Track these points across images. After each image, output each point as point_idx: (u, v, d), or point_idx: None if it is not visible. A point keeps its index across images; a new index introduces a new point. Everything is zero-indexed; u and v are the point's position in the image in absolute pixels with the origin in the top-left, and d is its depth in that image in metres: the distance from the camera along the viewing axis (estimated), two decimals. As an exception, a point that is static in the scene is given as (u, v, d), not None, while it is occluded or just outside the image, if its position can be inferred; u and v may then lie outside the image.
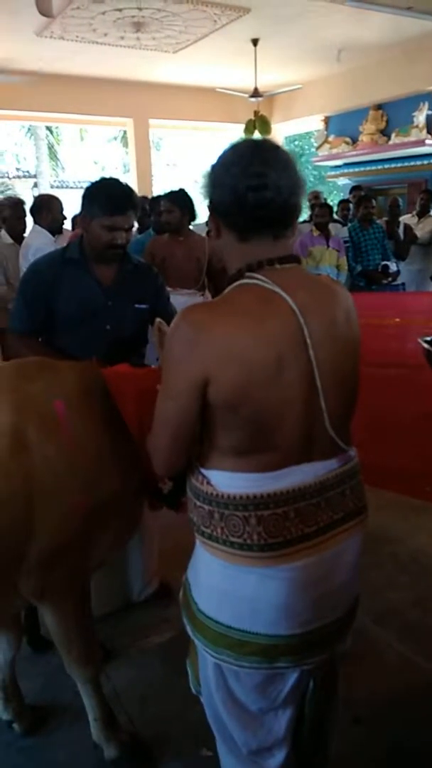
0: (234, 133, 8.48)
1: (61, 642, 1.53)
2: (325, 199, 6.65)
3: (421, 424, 2.85)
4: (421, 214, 5.98)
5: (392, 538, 2.68)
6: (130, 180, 8.23)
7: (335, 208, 6.23)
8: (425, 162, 7.39)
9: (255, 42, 6.41)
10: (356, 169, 8.24)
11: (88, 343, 1.84)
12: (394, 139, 7.50)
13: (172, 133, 13.93)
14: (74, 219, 5.00)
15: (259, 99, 7.42)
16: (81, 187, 4.95)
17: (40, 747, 1.72)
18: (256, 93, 7.28)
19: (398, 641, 2.08)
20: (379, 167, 7.89)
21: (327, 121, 8.61)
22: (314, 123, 8.95)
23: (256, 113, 7.82)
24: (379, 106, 7.77)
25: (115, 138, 15.77)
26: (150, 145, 9.10)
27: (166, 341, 1.09)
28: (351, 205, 6.25)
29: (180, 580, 1.28)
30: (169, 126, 9.63)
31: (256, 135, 7.35)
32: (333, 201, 8.11)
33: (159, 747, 1.69)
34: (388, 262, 5.25)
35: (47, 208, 4.00)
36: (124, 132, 10.37)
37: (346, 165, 8.41)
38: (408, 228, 5.76)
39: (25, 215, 4.22)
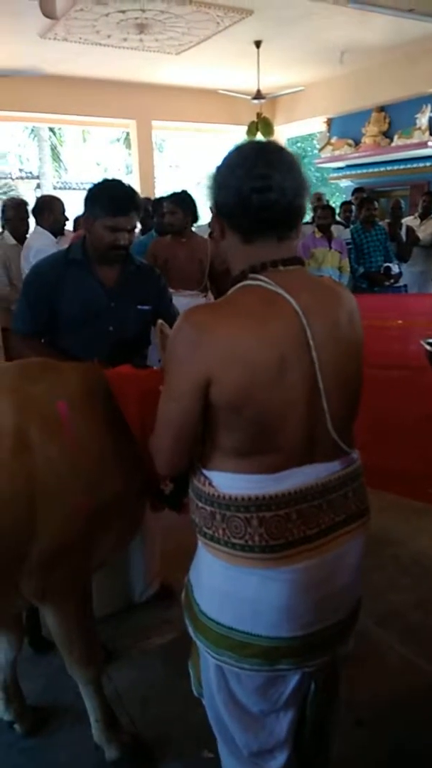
0: (236, 134, 8.50)
1: (63, 643, 1.53)
2: (328, 201, 6.65)
3: (424, 426, 2.85)
4: (424, 216, 5.98)
5: (394, 541, 2.68)
6: (133, 181, 8.23)
7: (337, 210, 6.23)
8: (428, 164, 7.39)
9: (258, 44, 6.43)
10: (359, 171, 8.25)
11: (91, 344, 1.84)
12: (397, 141, 7.51)
13: (174, 135, 13.96)
14: (76, 220, 5.01)
15: (262, 101, 7.44)
16: (83, 189, 4.96)
17: (41, 748, 1.72)
18: (258, 95, 7.29)
19: (400, 643, 2.07)
20: (382, 169, 7.89)
21: (329, 123, 8.62)
22: (317, 125, 8.97)
23: (258, 115, 7.84)
24: (381, 108, 7.78)
25: (118, 139, 15.79)
26: (153, 146, 9.12)
27: (169, 342, 1.10)
28: (353, 207, 6.25)
29: (182, 582, 1.28)
30: (171, 128, 9.65)
31: (259, 137, 7.37)
32: (335, 203, 8.13)
33: (160, 748, 1.68)
34: (390, 264, 5.25)
35: (49, 209, 4.01)
36: (127, 133, 10.40)
37: (349, 167, 8.42)
38: (410, 230, 5.76)
39: (28, 216, 4.22)
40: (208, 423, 1.07)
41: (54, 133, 15.02)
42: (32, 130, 15.00)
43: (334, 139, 8.48)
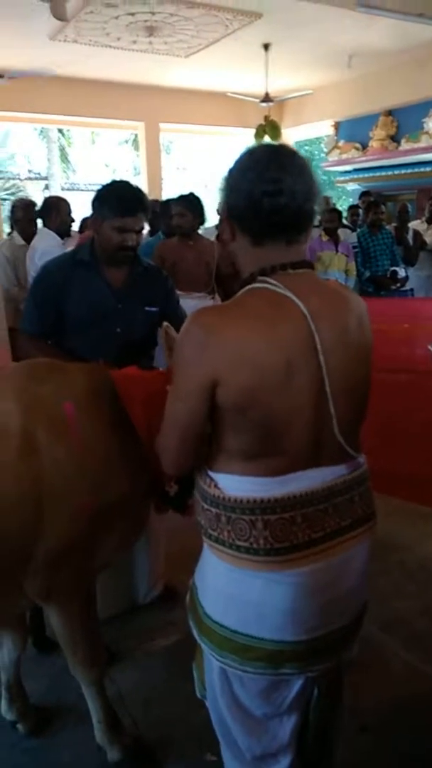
0: (244, 137, 8.52)
1: (67, 644, 1.53)
2: (334, 205, 6.65)
3: (430, 430, 2.83)
4: (430, 221, 5.96)
5: (400, 546, 2.67)
6: (141, 183, 8.24)
7: (344, 214, 6.23)
8: (435, 168, 7.39)
9: (266, 47, 6.44)
10: (366, 175, 8.24)
11: (98, 345, 1.85)
12: (404, 145, 7.51)
13: (181, 137, 13.99)
14: (83, 222, 5.02)
15: (270, 104, 7.45)
16: (91, 190, 4.97)
17: (44, 748, 1.72)
18: (266, 98, 7.30)
19: (405, 650, 2.06)
20: (389, 173, 7.88)
21: (337, 126, 8.63)
22: (324, 128, 8.97)
23: (266, 118, 7.86)
24: (389, 112, 7.78)
25: (126, 141, 15.85)
26: (160, 148, 9.14)
27: (177, 343, 1.10)
28: (360, 211, 6.24)
29: (186, 584, 1.28)
30: (180, 130, 9.68)
31: (267, 140, 7.38)
32: (342, 206, 8.11)
33: (162, 750, 1.68)
34: (396, 268, 5.23)
35: (56, 210, 4.02)
36: (135, 135, 10.44)
37: (356, 170, 8.41)
38: (417, 234, 5.74)
39: (36, 217, 4.24)
40: (215, 425, 1.07)
41: (63, 135, 15.09)
42: (41, 132, 15.08)
43: (341, 143, 8.48)
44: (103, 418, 1.45)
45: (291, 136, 9.26)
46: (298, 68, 7.30)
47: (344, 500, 1.11)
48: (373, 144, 7.94)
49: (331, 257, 5.00)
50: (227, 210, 1.07)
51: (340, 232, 5.28)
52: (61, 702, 1.85)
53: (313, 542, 1.07)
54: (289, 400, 1.02)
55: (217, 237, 4.18)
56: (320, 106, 8.34)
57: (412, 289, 5.47)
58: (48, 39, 5.99)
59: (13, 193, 14.38)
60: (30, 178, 16.06)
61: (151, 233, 4.55)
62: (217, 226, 4.68)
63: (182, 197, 3.67)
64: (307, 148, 14.19)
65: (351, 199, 8.92)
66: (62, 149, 15.34)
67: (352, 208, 6.62)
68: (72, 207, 4.16)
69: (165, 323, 1.48)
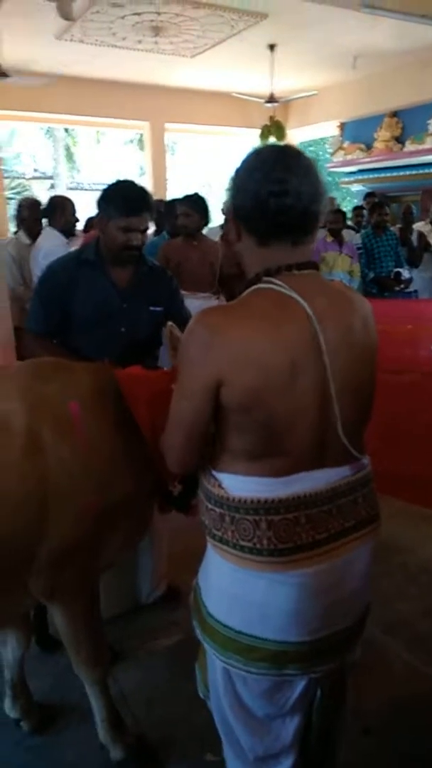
0: (249, 138, 8.51)
1: (70, 643, 1.53)
2: (339, 205, 6.64)
3: (434, 432, 2.82)
4: (435, 222, 5.96)
5: (402, 548, 2.66)
6: (145, 183, 8.26)
7: (349, 215, 6.22)
8: (439, 170, 7.37)
9: (272, 47, 6.43)
10: (370, 176, 8.23)
11: (103, 344, 1.85)
12: (409, 146, 7.49)
13: (186, 137, 13.99)
14: (88, 221, 5.03)
15: (275, 104, 7.45)
16: (96, 190, 4.98)
17: (47, 746, 1.73)
18: (271, 98, 7.30)
19: (407, 652, 2.06)
20: (394, 174, 7.87)
21: (342, 127, 8.62)
22: (329, 129, 8.96)
23: (271, 118, 7.85)
24: (394, 113, 7.77)
25: (131, 141, 15.86)
26: (165, 148, 9.15)
27: (182, 343, 1.10)
28: (365, 212, 6.24)
29: (189, 584, 1.28)
30: (184, 130, 9.68)
31: (272, 140, 7.37)
32: (347, 207, 8.11)
33: (165, 749, 1.69)
34: (400, 269, 5.23)
35: (61, 209, 4.02)
36: (141, 135, 10.44)
37: (361, 171, 8.39)
38: (421, 235, 5.74)
39: (41, 216, 4.25)
40: (219, 424, 1.07)
41: (68, 134, 15.11)
42: (47, 131, 15.10)
43: (346, 144, 8.48)
44: (109, 417, 1.45)
45: (296, 136, 9.26)
46: (303, 69, 7.29)
47: (348, 501, 1.11)
48: (378, 145, 7.93)
49: (335, 258, 5.00)
50: (233, 210, 1.07)
51: (345, 233, 5.28)
52: (64, 700, 1.86)
53: (316, 543, 1.07)
54: (294, 400, 1.02)
55: (222, 237, 4.18)
56: (325, 106, 8.34)
57: (416, 291, 5.47)
58: (54, 38, 6.00)
59: (18, 192, 14.39)
60: (36, 178, 16.08)
61: (156, 233, 4.56)
62: (221, 227, 4.68)
63: (187, 197, 3.67)
64: (311, 148, 14.17)
65: (355, 200, 8.91)
66: (68, 149, 15.37)
67: (357, 209, 6.62)
68: (77, 206, 4.17)
69: (169, 323, 1.49)
